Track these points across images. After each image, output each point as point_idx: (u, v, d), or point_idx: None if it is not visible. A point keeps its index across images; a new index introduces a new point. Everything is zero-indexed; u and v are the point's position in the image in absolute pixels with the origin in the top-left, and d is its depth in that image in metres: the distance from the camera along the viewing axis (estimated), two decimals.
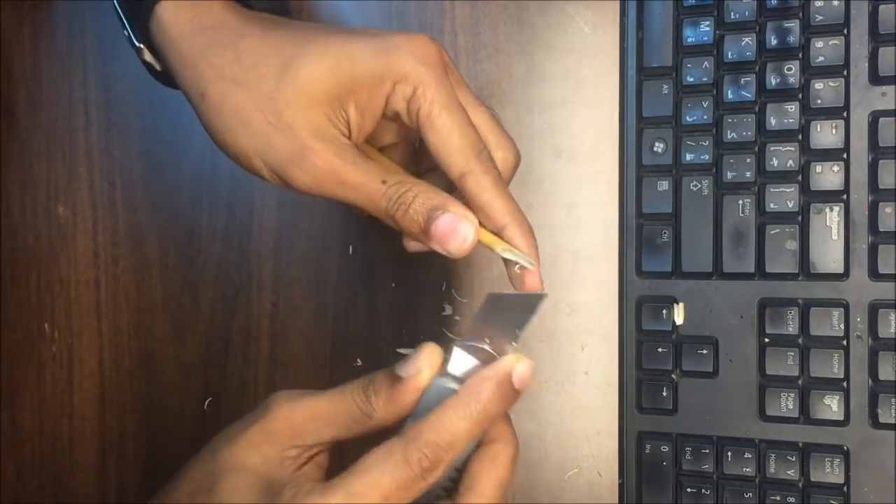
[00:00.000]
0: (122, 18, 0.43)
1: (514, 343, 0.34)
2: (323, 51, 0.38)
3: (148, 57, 0.43)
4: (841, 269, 0.45)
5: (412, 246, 0.40)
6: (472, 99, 0.40)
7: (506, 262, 0.38)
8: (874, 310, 0.44)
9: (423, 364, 0.35)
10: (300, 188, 0.38)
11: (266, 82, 0.38)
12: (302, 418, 0.35)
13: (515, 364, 0.34)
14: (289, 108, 0.37)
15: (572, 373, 0.50)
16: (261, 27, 0.40)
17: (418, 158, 0.43)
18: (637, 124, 0.48)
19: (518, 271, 0.37)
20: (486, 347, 0.35)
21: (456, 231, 0.36)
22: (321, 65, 0.37)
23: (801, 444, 0.45)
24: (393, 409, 0.35)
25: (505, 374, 0.34)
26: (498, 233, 0.38)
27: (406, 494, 0.32)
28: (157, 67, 0.43)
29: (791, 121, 0.45)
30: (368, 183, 0.37)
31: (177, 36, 0.40)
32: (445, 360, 0.35)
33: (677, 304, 0.47)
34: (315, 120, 0.37)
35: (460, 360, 0.35)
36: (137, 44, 0.42)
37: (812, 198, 0.45)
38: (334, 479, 0.33)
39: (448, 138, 0.37)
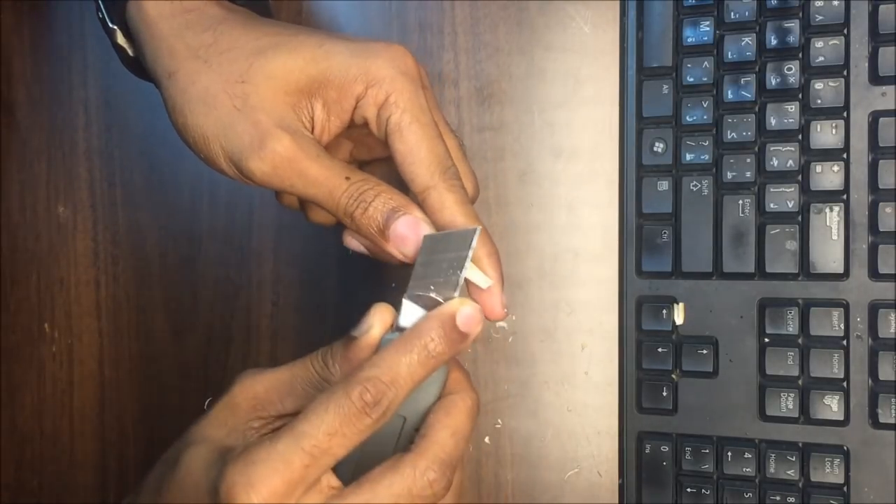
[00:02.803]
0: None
1: (456, 287, 0.33)
2: (301, 44, 0.38)
3: (121, 40, 0.42)
4: (841, 269, 0.45)
5: (352, 244, 0.39)
6: (442, 123, 0.40)
7: (466, 280, 0.36)
8: (874, 310, 0.44)
9: (373, 320, 0.35)
10: (257, 177, 0.37)
11: (237, 65, 0.37)
12: (264, 389, 0.35)
13: (460, 307, 0.33)
14: (256, 93, 0.37)
15: (572, 373, 0.50)
16: (244, 18, 0.40)
17: None
18: (637, 124, 0.48)
19: (478, 291, 0.36)
20: (433, 295, 0.34)
21: (415, 235, 0.36)
22: (296, 56, 0.37)
23: (801, 444, 0.45)
24: (348, 369, 0.34)
25: (448, 315, 0.33)
26: None
27: (352, 430, 0.31)
28: (130, 52, 0.43)
29: (791, 121, 0.45)
30: (331, 178, 0.37)
31: (155, 15, 0.39)
32: (397, 316, 0.35)
33: (677, 304, 0.47)
34: (280, 109, 0.37)
35: (410, 312, 0.34)
36: (111, 25, 0.42)
37: (812, 198, 0.45)
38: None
39: (416, 150, 0.36)
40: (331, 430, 0.31)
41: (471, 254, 0.33)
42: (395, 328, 0.35)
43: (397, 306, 0.36)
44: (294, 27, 0.40)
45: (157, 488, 0.35)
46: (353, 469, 0.34)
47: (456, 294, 0.33)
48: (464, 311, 0.33)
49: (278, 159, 0.36)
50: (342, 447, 0.32)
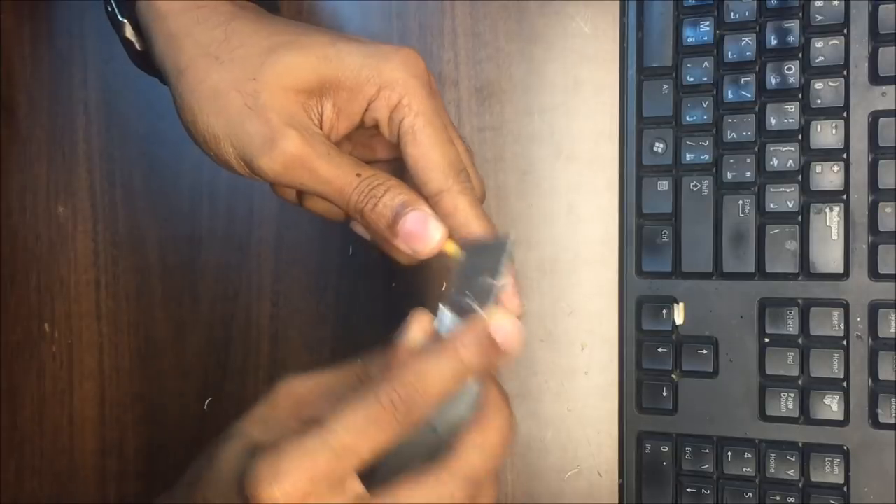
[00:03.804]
0: None
1: (490, 295, 0.33)
2: (313, 42, 0.37)
3: (129, 33, 0.42)
4: (841, 269, 0.45)
5: (359, 229, 0.39)
6: (451, 127, 0.40)
7: None
8: (874, 310, 0.44)
9: (413, 326, 0.35)
10: (268, 176, 0.37)
11: (249, 63, 0.37)
12: (307, 391, 0.35)
13: (498, 319, 0.33)
14: (267, 91, 0.37)
15: (572, 373, 0.50)
16: (255, 15, 0.40)
17: None
18: (637, 124, 0.48)
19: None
20: (469, 302, 0.34)
21: (424, 230, 0.36)
22: (308, 55, 0.37)
23: (801, 444, 0.45)
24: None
25: (484, 328, 0.33)
26: None
27: (378, 431, 0.31)
28: (138, 47, 0.42)
29: (791, 121, 0.45)
30: (341, 175, 0.37)
31: (166, 10, 0.39)
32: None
33: (677, 304, 0.47)
34: (291, 107, 0.37)
35: (447, 320, 0.35)
36: (121, 18, 0.42)
37: (812, 198, 0.45)
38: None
39: (429, 153, 0.36)
40: (357, 429, 0.31)
41: (504, 261, 0.34)
42: (436, 336, 0.35)
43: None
44: (304, 25, 0.40)
45: (193, 482, 0.35)
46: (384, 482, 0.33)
47: (490, 302, 0.33)
48: (503, 326, 0.33)
49: (289, 158, 0.36)
50: (368, 448, 0.32)
